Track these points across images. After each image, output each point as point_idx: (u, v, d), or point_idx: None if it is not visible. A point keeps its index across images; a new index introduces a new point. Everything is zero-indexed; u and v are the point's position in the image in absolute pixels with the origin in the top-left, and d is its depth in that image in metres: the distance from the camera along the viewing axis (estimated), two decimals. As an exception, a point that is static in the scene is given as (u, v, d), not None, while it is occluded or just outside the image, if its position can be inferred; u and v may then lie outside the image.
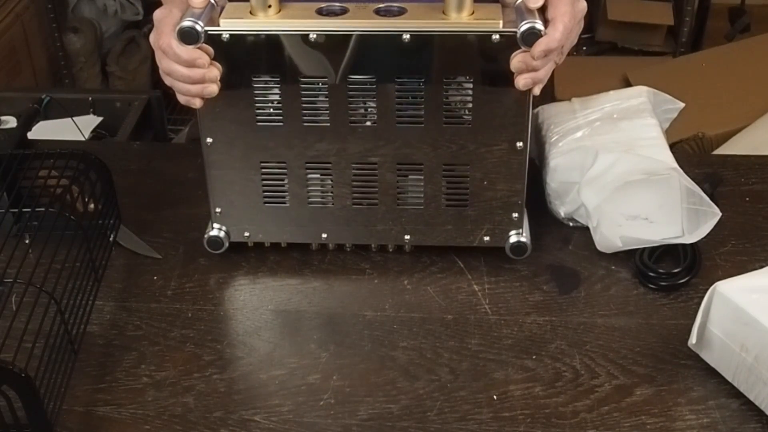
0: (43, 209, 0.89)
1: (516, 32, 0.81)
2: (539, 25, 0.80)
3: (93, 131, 1.73)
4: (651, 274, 0.91)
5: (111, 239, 0.96)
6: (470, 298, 0.91)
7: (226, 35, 0.83)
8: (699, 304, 0.81)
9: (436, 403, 0.80)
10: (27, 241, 0.86)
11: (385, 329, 0.88)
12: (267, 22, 0.84)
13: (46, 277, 0.78)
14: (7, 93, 1.77)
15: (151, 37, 0.85)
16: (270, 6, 0.83)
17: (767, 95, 2.04)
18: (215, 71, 0.84)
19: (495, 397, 0.81)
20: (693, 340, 0.82)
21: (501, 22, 0.82)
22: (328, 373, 0.84)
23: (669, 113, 1.03)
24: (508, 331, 0.87)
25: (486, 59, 0.83)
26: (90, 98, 1.82)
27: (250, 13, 0.84)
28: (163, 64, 0.85)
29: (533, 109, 1.02)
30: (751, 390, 0.78)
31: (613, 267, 0.94)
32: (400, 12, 0.84)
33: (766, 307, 0.76)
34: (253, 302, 0.92)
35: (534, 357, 0.85)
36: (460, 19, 0.82)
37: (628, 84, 2.27)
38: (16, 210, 0.93)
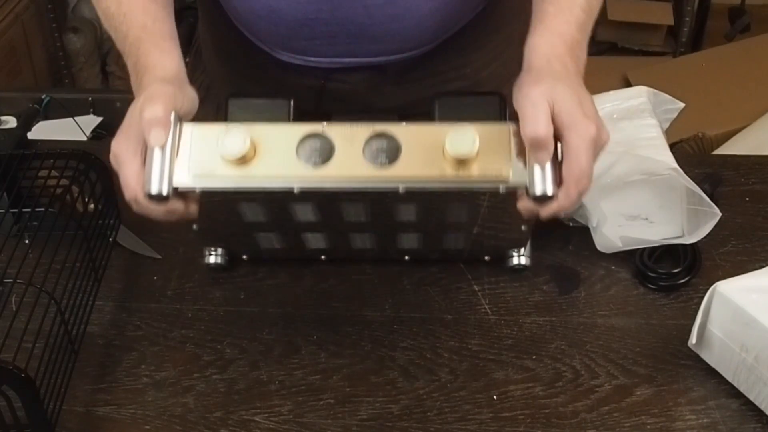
0: (43, 209, 0.89)
1: (525, 186, 0.70)
2: (551, 190, 0.69)
3: (93, 131, 1.74)
4: (651, 274, 0.91)
5: (111, 239, 0.96)
6: (470, 298, 0.91)
7: (198, 189, 0.72)
8: (699, 304, 0.81)
9: (436, 403, 0.80)
10: (27, 241, 0.85)
11: (385, 329, 0.88)
12: (243, 176, 0.72)
13: (46, 277, 0.78)
14: (7, 93, 1.78)
15: (113, 162, 0.73)
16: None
17: (767, 95, 2.04)
18: (194, 206, 0.75)
19: (495, 397, 0.81)
20: (693, 340, 0.82)
21: (511, 171, 0.71)
22: (328, 373, 0.84)
23: (669, 113, 1.03)
24: (508, 331, 0.87)
25: (491, 202, 0.76)
26: (90, 98, 1.82)
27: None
28: (134, 208, 0.74)
29: None
30: (751, 390, 0.78)
31: (613, 267, 0.94)
32: (395, 153, 0.71)
33: (766, 307, 0.76)
34: (253, 302, 0.91)
35: (534, 357, 0.85)
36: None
37: (628, 84, 2.27)
38: (16, 210, 0.93)
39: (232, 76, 1.10)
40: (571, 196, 0.71)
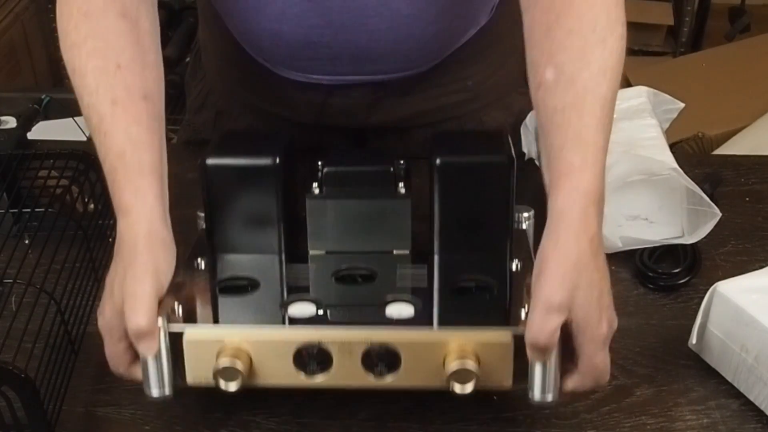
0: (43, 209, 0.89)
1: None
2: (551, 398, 0.68)
3: (93, 131, 1.73)
4: (651, 274, 0.91)
5: (111, 239, 0.96)
6: (470, 298, 0.91)
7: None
8: (699, 304, 0.81)
9: (436, 403, 0.80)
10: (27, 242, 0.85)
11: (385, 329, 0.88)
12: (240, 384, 0.70)
13: (46, 277, 0.78)
14: (7, 93, 1.78)
15: (100, 329, 0.73)
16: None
17: (767, 95, 2.04)
18: None
19: (495, 397, 0.81)
20: (693, 340, 0.82)
21: (511, 380, 0.69)
22: (328, 373, 0.83)
23: (669, 113, 1.03)
24: (508, 331, 0.87)
25: None
26: (90, 98, 1.82)
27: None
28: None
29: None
30: (751, 390, 0.78)
31: (613, 267, 0.94)
32: (394, 362, 0.69)
33: (766, 307, 0.76)
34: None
35: (534, 357, 0.84)
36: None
37: (628, 84, 2.27)
38: (16, 210, 0.93)
39: (232, 86, 1.10)
40: (586, 387, 0.70)
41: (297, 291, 0.76)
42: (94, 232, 0.91)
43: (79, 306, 0.84)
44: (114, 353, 0.72)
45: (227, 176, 0.77)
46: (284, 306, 0.72)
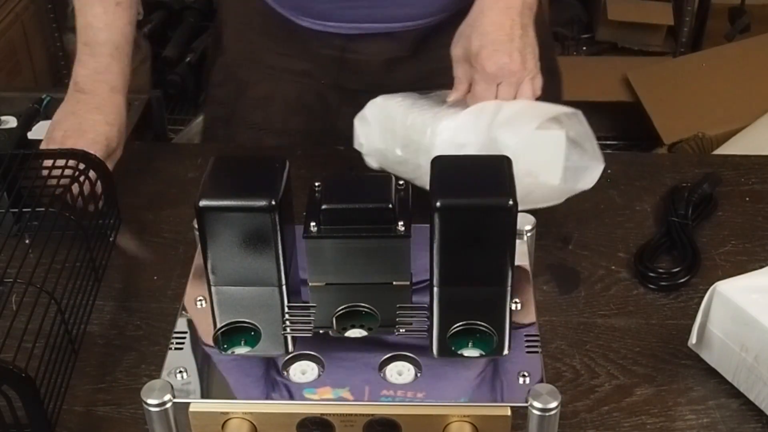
0: (43, 209, 0.89)
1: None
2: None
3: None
4: (651, 274, 0.91)
5: (111, 239, 0.96)
6: (470, 298, 0.91)
7: None
8: (699, 304, 0.81)
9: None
10: (27, 241, 0.85)
11: (385, 329, 0.88)
12: None
13: (46, 277, 0.78)
14: (7, 93, 1.77)
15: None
16: None
17: (767, 95, 2.04)
18: None
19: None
20: (693, 340, 0.82)
21: None
22: (328, 373, 0.83)
23: None
24: (508, 331, 0.87)
25: None
26: (90, 98, 1.81)
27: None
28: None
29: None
30: (751, 390, 0.78)
31: (613, 267, 0.94)
32: (395, 430, 0.68)
33: (766, 307, 0.76)
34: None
35: (534, 357, 0.84)
36: None
37: (628, 84, 2.27)
38: (16, 210, 0.93)
39: (253, 51, 1.14)
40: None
41: (298, 340, 0.74)
42: (94, 232, 0.91)
43: (79, 306, 0.84)
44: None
45: (222, 218, 0.75)
46: (285, 368, 0.71)
